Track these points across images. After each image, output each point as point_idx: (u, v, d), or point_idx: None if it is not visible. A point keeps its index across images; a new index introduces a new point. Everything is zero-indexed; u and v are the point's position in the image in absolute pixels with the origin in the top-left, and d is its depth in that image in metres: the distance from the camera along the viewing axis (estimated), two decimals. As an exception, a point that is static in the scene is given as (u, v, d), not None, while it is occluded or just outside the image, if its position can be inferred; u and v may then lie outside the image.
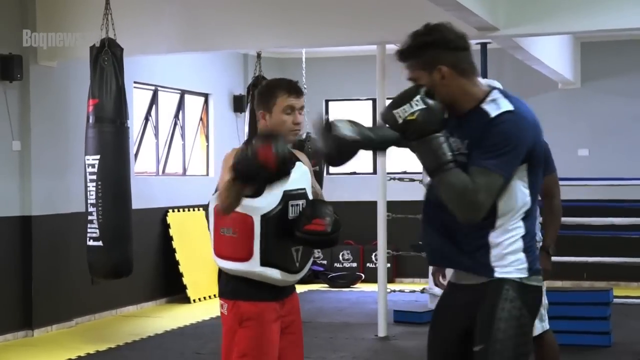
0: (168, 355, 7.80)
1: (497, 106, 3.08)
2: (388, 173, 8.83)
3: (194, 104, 11.91)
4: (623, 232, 9.92)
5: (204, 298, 10.85)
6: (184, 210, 11.09)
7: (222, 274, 3.85)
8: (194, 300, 10.69)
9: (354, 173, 12.97)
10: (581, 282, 11.42)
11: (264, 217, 3.68)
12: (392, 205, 8.81)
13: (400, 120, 3.01)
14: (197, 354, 7.75)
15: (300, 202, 3.81)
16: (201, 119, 12.05)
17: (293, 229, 3.73)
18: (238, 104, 12.28)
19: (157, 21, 8.52)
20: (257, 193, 3.67)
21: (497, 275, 3.11)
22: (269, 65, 11.50)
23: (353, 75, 12.70)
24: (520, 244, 3.12)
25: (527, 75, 11.27)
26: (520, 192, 3.11)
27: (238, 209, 3.65)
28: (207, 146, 12.08)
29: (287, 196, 3.74)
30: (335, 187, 11.94)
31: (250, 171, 3.44)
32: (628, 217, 9.52)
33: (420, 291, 9.76)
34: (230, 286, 3.79)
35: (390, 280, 10.91)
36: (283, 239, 3.73)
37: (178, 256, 10.74)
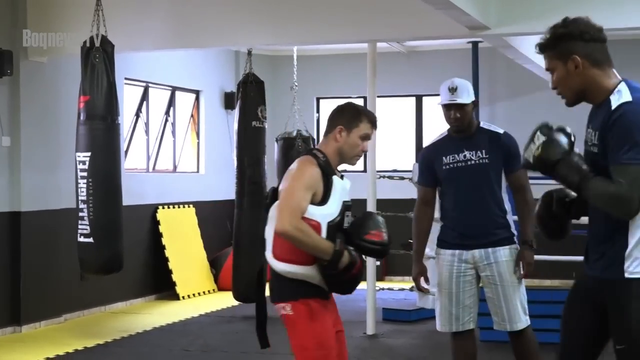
0: (156, 351, 7.80)
1: (619, 97, 3.18)
2: (378, 171, 8.83)
3: (184, 101, 11.90)
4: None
5: (193, 295, 10.83)
6: (174, 207, 11.07)
7: (276, 279, 3.98)
8: (183, 297, 10.67)
9: (344, 171, 12.92)
10: (570, 281, 11.42)
11: (329, 224, 3.91)
12: (381, 204, 8.81)
13: (531, 159, 3.24)
14: (186, 351, 7.75)
15: (350, 213, 4.07)
16: (192, 115, 12.04)
17: (349, 238, 3.95)
18: (229, 101, 12.26)
19: (148, 18, 8.50)
20: (322, 201, 3.93)
21: (627, 275, 3.18)
22: (260, 63, 11.49)
23: (344, 73, 12.68)
24: None
25: (519, 74, 11.26)
26: None
27: (305, 215, 3.88)
28: (198, 143, 12.07)
29: (345, 207, 4.03)
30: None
31: (335, 272, 3.87)
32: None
33: (409, 289, 9.77)
34: (289, 287, 3.94)
35: (380, 278, 10.91)
36: None
37: (167, 253, 10.72)
